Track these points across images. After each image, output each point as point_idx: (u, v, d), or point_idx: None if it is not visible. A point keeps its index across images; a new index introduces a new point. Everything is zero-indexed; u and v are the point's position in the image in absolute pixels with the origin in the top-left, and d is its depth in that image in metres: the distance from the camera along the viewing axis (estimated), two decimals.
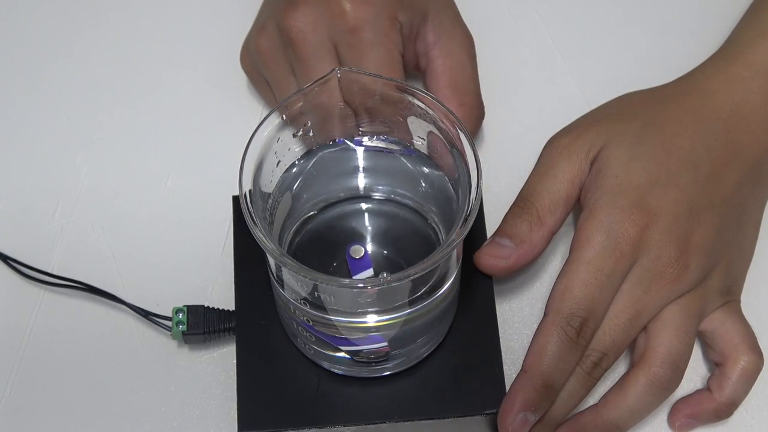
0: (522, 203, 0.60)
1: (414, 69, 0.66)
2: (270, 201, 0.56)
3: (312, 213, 0.58)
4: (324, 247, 0.58)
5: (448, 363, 0.59)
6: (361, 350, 0.57)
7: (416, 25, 0.64)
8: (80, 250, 0.66)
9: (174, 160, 0.69)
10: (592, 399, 0.61)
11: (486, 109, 0.66)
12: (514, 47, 0.72)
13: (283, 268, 0.53)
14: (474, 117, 0.65)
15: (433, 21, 0.64)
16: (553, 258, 0.66)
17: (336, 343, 0.56)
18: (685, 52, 0.68)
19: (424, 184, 0.57)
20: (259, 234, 0.52)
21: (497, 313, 0.60)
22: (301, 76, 0.62)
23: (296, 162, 0.57)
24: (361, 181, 0.58)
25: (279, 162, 0.56)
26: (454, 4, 0.67)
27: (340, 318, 0.55)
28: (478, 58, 0.67)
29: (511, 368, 0.61)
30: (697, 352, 0.63)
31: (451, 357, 0.59)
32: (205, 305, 0.62)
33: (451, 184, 0.56)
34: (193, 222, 0.67)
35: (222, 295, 0.64)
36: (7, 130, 0.70)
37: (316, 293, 0.53)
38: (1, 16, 0.73)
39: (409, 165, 0.57)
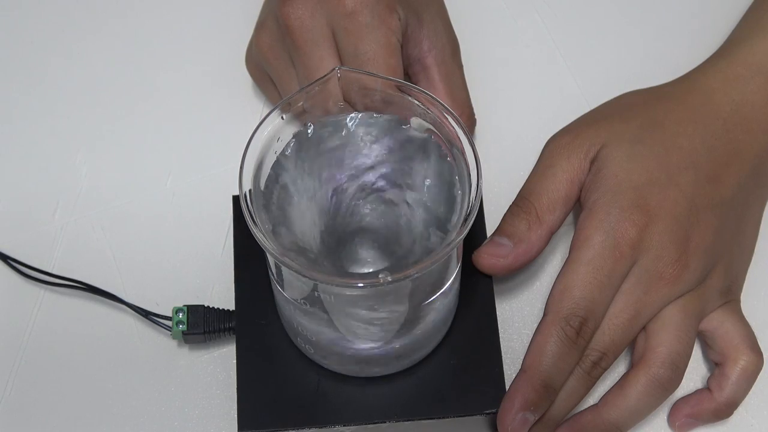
0: (521, 202, 0.60)
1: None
2: None
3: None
4: (324, 246, 0.58)
5: (448, 363, 0.59)
6: (361, 350, 0.57)
7: (411, 27, 0.63)
8: (80, 250, 0.66)
9: (174, 160, 0.69)
10: (592, 399, 0.61)
11: (486, 109, 0.66)
12: (514, 47, 0.72)
13: (283, 268, 0.53)
14: (470, 126, 0.65)
15: (428, 27, 0.64)
16: (552, 258, 0.66)
17: (336, 343, 0.56)
18: (685, 52, 0.68)
19: (424, 184, 0.57)
20: (259, 234, 0.52)
21: (497, 313, 0.60)
22: (299, 65, 0.62)
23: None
24: (362, 179, 0.58)
25: None
26: (445, 10, 0.67)
27: (340, 318, 0.55)
28: (478, 58, 0.67)
29: (511, 368, 0.61)
30: (697, 352, 0.63)
31: (451, 357, 0.59)
32: (205, 305, 0.62)
33: (452, 184, 0.56)
34: (193, 222, 0.67)
35: (222, 295, 0.64)
36: (7, 129, 0.70)
37: (316, 293, 0.53)
38: (1, 16, 0.73)
39: (410, 167, 0.57)
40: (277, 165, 0.55)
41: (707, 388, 0.61)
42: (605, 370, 0.58)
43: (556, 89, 0.71)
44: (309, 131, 0.56)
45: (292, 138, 0.55)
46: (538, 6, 0.73)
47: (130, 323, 0.64)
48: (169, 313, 0.62)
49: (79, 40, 0.73)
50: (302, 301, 0.54)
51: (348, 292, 0.53)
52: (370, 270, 0.56)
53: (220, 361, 0.63)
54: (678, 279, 0.58)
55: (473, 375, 0.58)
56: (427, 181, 0.55)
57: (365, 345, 0.56)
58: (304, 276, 0.51)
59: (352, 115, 0.56)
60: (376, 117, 0.56)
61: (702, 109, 0.62)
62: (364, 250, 0.57)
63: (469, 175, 0.53)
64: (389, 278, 0.51)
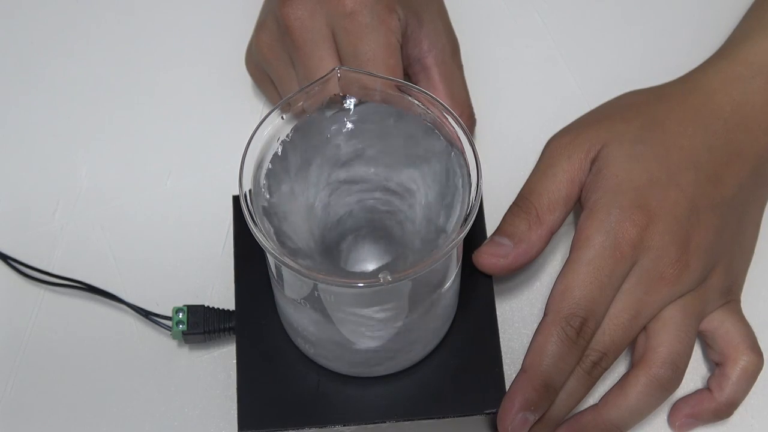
0: (521, 202, 0.60)
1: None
2: None
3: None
4: (324, 246, 0.58)
5: (448, 363, 0.59)
6: (361, 350, 0.57)
7: (411, 27, 0.63)
8: (80, 250, 0.66)
9: (174, 160, 0.69)
10: (592, 399, 0.61)
11: (486, 109, 0.66)
12: (514, 47, 0.72)
13: (283, 268, 0.53)
14: (470, 126, 0.65)
15: (428, 27, 0.64)
16: (553, 258, 0.66)
17: (336, 342, 0.56)
18: (685, 52, 0.68)
19: (424, 183, 0.57)
20: (259, 234, 0.52)
21: (497, 313, 0.60)
22: (298, 65, 0.62)
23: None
24: (361, 177, 0.58)
25: None
26: (445, 10, 0.67)
27: (340, 318, 0.55)
28: (478, 58, 0.67)
29: (511, 368, 0.61)
30: (697, 352, 0.63)
31: (451, 357, 0.59)
32: (205, 305, 0.62)
33: (452, 183, 0.56)
34: (193, 222, 0.67)
35: (222, 295, 0.64)
36: (7, 129, 0.70)
37: (316, 293, 0.53)
38: (1, 15, 0.73)
39: (410, 163, 0.57)
40: (276, 164, 0.55)
41: (707, 388, 0.61)
42: (605, 370, 0.58)
43: (556, 89, 0.71)
44: (307, 127, 0.56)
45: (290, 134, 0.55)
46: (538, 6, 0.73)
47: (130, 323, 0.64)
48: (169, 313, 0.62)
49: (79, 40, 0.73)
50: (302, 301, 0.54)
51: (348, 292, 0.53)
52: (370, 270, 0.56)
53: (220, 361, 0.63)
54: (678, 279, 0.58)
55: (473, 375, 0.58)
56: (428, 180, 0.55)
57: (365, 345, 0.56)
58: (304, 276, 0.51)
59: (350, 106, 0.56)
60: (376, 108, 0.56)
61: (703, 109, 0.62)
62: (364, 249, 0.58)
63: (469, 175, 0.53)
64: (389, 278, 0.51)
